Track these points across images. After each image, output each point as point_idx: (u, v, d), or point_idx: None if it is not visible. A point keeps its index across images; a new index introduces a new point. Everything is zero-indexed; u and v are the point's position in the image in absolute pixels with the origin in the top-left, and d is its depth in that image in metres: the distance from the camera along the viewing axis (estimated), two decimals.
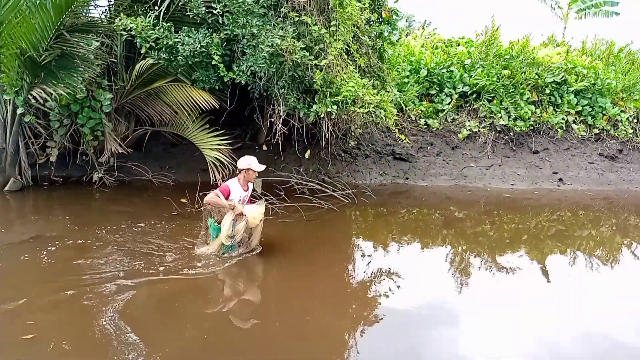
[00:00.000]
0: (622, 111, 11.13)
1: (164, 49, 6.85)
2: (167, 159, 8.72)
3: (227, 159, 7.34)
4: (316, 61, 6.63)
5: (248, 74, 6.81)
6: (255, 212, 4.82)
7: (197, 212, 6.32)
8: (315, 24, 6.66)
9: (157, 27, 6.74)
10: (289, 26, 6.63)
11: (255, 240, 5.05)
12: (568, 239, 6.72)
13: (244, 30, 6.65)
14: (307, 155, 8.95)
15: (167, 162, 8.63)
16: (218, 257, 4.77)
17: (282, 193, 7.32)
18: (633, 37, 29.44)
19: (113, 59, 7.56)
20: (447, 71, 11.15)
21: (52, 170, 7.85)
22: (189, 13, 6.79)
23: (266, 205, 6.61)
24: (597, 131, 10.93)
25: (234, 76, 6.86)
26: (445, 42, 13.50)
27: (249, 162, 4.79)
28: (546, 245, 6.35)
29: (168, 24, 6.82)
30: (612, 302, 4.60)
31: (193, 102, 7.35)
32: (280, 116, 7.08)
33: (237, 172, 4.94)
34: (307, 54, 6.54)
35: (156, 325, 3.53)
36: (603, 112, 11.09)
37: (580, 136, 10.82)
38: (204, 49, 6.70)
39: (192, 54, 6.70)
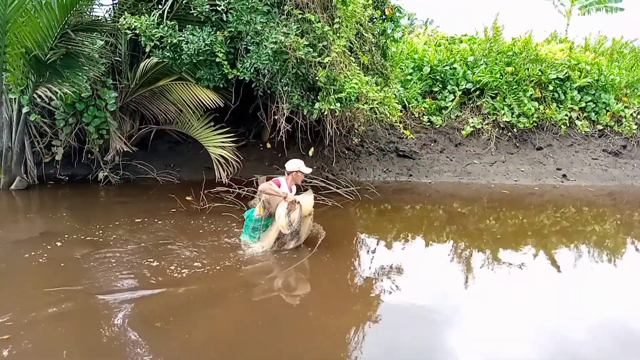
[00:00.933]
0: (626, 107, 11.11)
1: (168, 48, 6.89)
2: (172, 157, 8.76)
3: (232, 157, 7.37)
4: (319, 58, 6.64)
5: (252, 71, 6.84)
6: (307, 201, 5.09)
7: (202, 210, 6.37)
8: (319, 22, 6.67)
9: (161, 26, 6.77)
10: (293, 23, 6.64)
11: (305, 235, 5.19)
12: (572, 235, 6.74)
13: (247, 27, 6.68)
14: (310, 153, 8.97)
15: (172, 161, 8.67)
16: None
17: None
18: (638, 33, 29.37)
19: (118, 58, 7.59)
20: (450, 68, 11.15)
21: (58, 169, 7.91)
22: (192, 11, 6.82)
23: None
24: (601, 127, 10.92)
25: (238, 73, 6.89)
26: (448, 40, 13.50)
27: (298, 165, 5.07)
28: (550, 241, 6.37)
29: (172, 22, 6.85)
30: (617, 296, 4.62)
31: (197, 100, 7.38)
32: (284, 114, 7.10)
33: (286, 174, 5.14)
34: (311, 50, 6.55)
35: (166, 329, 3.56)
36: (607, 108, 11.08)
37: (583, 132, 10.81)
38: (208, 47, 6.73)
39: (196, 52, 6.73)
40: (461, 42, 12.98)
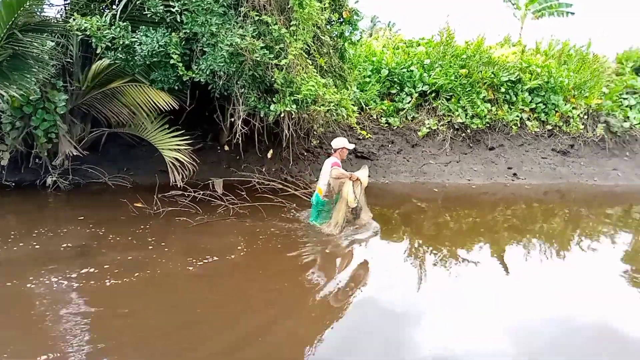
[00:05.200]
0: (573, 108, 11.64)
1: (120, 49, 6.74)
2: (125, 161, 8.54)
3: (187, 160, 7.27)
4: (276, 61, 6.65)
5: (207, 73, 6.76)
6: (365, 175, 6.00)
7: (156, 214, 6.28)
8: (276, 24, 6.68)
9: (114, 27, 6.61)
10: (249, 25, 6.63)
11: (366, 208, 6.17)
12: (522, 232, 6.99)
13: (203, 29, 6.60)
14: (269, 155, 8.97)
15: (125, 164, 8.46)
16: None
17: (243, 193, 7.32)
18: (588, 35, 30.75)
19: (68, 59, 7.36)
20: (408, 71, 11.37)
21: (4, 174, 7.58)
22: (146, 12, 6.68)
23: (228, 206, 6.68)
24: (550, 127, 11.40)
25: (193, 75, 6.80)
26: (405, 43, 13.76)
27: (343, 142, 6.07)
28: (502, 237, 6.62)
29: (125, 23, 6.69)
30: (567, 288, 4.85)
31: (151, 102, 7.23)
32: (241, 116, 7.07)
33: (333, 152, 6.09)
34: (268, 52, 6.55)
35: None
36: (556, 109, 11.57)
37: (533, 132, 11.25)
38: (162, 49, 6.61)
39: (150, 53, 6.61)
40: (418, 45, 13.26)
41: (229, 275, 4.68)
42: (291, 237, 5.80)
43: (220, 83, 6.81)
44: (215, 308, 3.95)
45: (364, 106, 10.65)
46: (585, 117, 11.66)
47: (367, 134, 9.20)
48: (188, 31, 6.71)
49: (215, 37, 6.53)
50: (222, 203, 6.89)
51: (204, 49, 6.74)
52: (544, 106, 11.51)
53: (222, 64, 6.52)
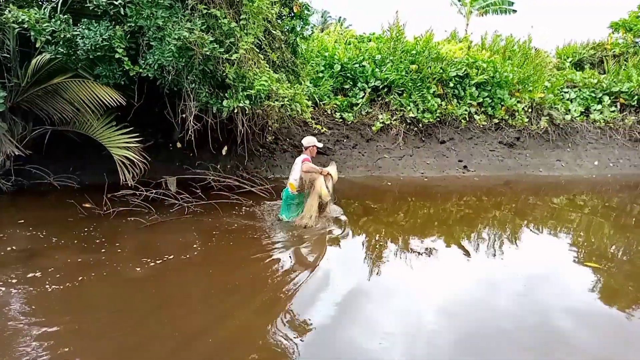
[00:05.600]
0: (518, 102, 12.10)
1: (61, 43, 6.42)
2: (72, 160, 8.17)
3: (138, 158, 7.04)
4: (227, 55, 6.55)
5: (155, 68, 6.55)
6: (334, 170, 6.33)
7: (106, 215, 6.05)
8: (225, 17, 6.57)
9: (54, 20, 6.30)
10: (197, 19, 6.47)
11: (330, 203, 6.42)
12: (474, 221, 7.23)
13: (149, 22, 6.39)
14: (224, 152, 8.83)
15: (71, 164, 8.09)
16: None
17: (198, 191, 7.18)
18: (530, 31, 32.07)
19: (6, 54, 6.96)
20: (360, 66, 11.48)
21: None
22: (88, 4, 6.38)
23: (182, 205, 6.55)
24: (497, 121, 11.81)
25: (140, 70, 6.58)
26: (357, 38, 13.89)
27: (313, 141, 6.38)
28: (455, 227, 6.80)
29: (66, 16, 6.39)
30: (517, 272, 5.09)
31: (97, 98, 6.93)
32: (192, 112, 6.91)
33: (304, 149, 6.34)
34: (218, 47, 6.43)
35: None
36: (502, 103, 11.99)
37: (481, 126, 11.63)
38: (106, 42, 6.35)
39: (93, 47, 6.34)
40: (369, 40, 13.42)
41: (183, 274, 4.58)
42: (248, 234, 5.76)
43: (170, 78, 6.62)
44: (166, 308, 3.86)
45: (318, 101, 10.67)
46: (530, 110, 12.16)
47: (322, 128, 9.23)
48: (133, 24, 6.48)
49: (162, 31, 6.34)
50: (176, 202, 6.73)
51: (151, 43, 6.53)
52: (491, 100, 11.91)
53: (170, 59, 6.35)
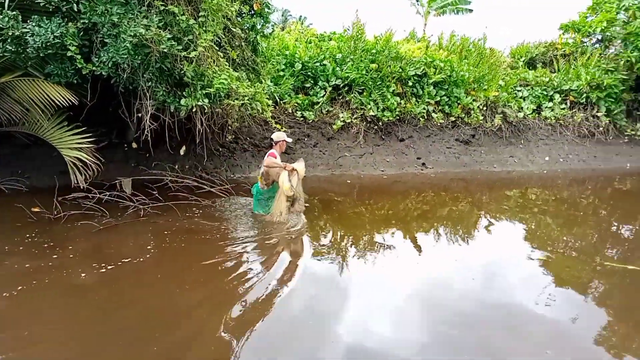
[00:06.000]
0: (474, 100, 12.44)
1: (10, 41, 6.06)
2: (20, 162, 7.74)
3: (91, 159, 6.76)
4: (185, 53, 6.39)
5: (110, 65, 6.32)
6: (301, 166, 6.30)
7: (57, 219, 5.79)
8: (183, 14, 6.41)
9: (1, 17, 5.95)
10: (154, 15, 6.27)
11: (301, 200, 6.36)
12: (432, 217, 7.38)
13: (103, 19, 6.15)
14: (182, 152, 8.64)
15: (20, 166, 7.67)
16: None
17: (155, 192, 6.98)
18: (483, 31, 33.07)
19: None
20: (321, 65, 11.48)
21: None
22: (39, 0, 6.10)
23: (138, 207, 6.36)
24: (454, 119, 12.10)
25: (94, 68, 6.33)
26: (317, 37, 13.90)
27: (283, 136, 6.39)
28: (413, 223, 6.93)
29: (14, 12, 6.05)
30: (475, 264, 5.25)
31: (47, 98, 6.61)
32: (149, 111, 6.71)
33: (274, 144, 6.32)
34: (175, 44, 6.26)
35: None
36: (458, 102, 12.29)
37: (439, 124, 11.89)
38: (57, 40, 6.06)
39: (43, 45, 6.04)
40: (330, 39, 13.46)
41: (137, 279, 4.43)
42: (206, 235, 5.65)
43: (125, 76, 6.39)
44: (117, 315, 3.72)
45: (278, 100, 10.60)
46: (485, 108, 12.51)
47: (282, 128, 9.18)
48: (87, 21, 6.23)
49: (117, 28, 6.12)
50: (132, 204, 6.52)
51: (105, 40, 6.29)
52: (448, 99, 12.19)
53: (125, 56, 6.13)
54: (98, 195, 6.51)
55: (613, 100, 13.99)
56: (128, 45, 6.03)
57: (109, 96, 7.39)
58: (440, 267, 5.24)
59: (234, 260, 4.92)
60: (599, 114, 13.85)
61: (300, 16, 34.81)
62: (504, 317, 4.05)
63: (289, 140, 6.56)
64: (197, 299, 4.06)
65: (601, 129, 13.75)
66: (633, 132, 14.32)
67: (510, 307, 4.26)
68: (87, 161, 6.70)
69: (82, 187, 6.50)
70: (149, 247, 5.15)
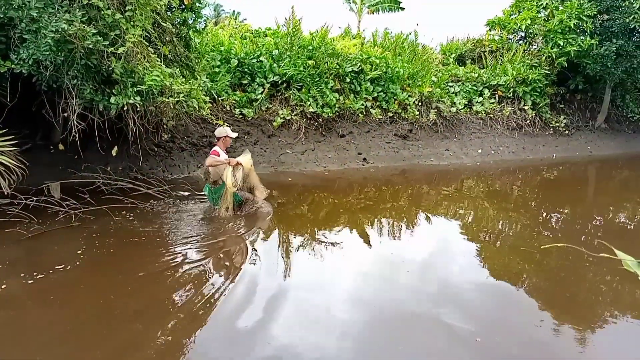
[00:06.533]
0: (409, 96, 12.77)
1: None
2: None
3: (14, 163, 6.27)
4: (112, 48, 6.09)
5: (30, 63, 5.89)
6: (247, 159, 6.30)
7: None
8: (109, 8, 6.10)
9: None
10: (77, 9, 5.93)
11: (259, 187, 6.59)
12: (375, 210, 7.53)
13: (20, 13, 5.73)
14: (114, 153, 8.20)
15: None
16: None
17: (86, 196, 6.61)
18: (414, 28, 34.14)
19: None
20: (258, 61, 11.34)
21: None
22: None
23: (69, 212, 6.00)
24: (391, 114, 12.38)
25: (13, 66, 5.89)
26: (253, 32, 13.73)
27: (225, 131, 6.37)
28: (358, 217, 7.04)
29: None
30: (418, 254, 5.48)
31: None
32: (75, 111, 6.33)
33: (216, 140, 6.39)
34: (101, 39, 5.94)
35: None
36: (395, 98, 12.58)
37: (377, 119, 12.11)
38: None
39: None
40: (265, 35, 13.35)
41: (68, 290, 4.18)
42: (144, 239, 5.45)
43: (48, 74, 6.00)
44: (49, 334, 3.48)
45: (216, 97, 10.37)
46: (420, 104, 12.89)
47: (223, 123, 9.00)
48: (2, 16, 5.77)
49: (37, 23, 5.72)
50: (62, 209, 6.13)
51: (24, 36, 5.86)
52: (385, 95, 12.44)
53: (47, 53, 5.74)
54: (24, 202, 6.07)
55: (538, 94, 14.88)
56: (50, 41, 5.65)
57: (31, 95, 6.91)
58: (378, 262, 5.35)
59: (171, 267, 4.75)
60: (525, 108, 14.68)
61: (234, 11, 34.26)
62: (435, 307, 4.20)
63: (233, 135, 6.48)
64: (134, 308, 3.88)
65: (528, 121, 14.58)
66: (557, 124, 15.29)
67: (440, 296, 4.42)
68: (10, 165, 6.21)
69: (6, 193, 6.03)
70: (81, 254, 4.87)
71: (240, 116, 10.57)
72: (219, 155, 6.12)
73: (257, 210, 6.67)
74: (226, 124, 9.94)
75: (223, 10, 33.37)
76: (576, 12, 14.26)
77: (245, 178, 6.40)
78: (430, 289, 4.53)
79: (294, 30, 11.92)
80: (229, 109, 10.55)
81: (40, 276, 4.27)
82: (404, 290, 4.48)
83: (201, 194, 7.65)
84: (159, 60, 6.72)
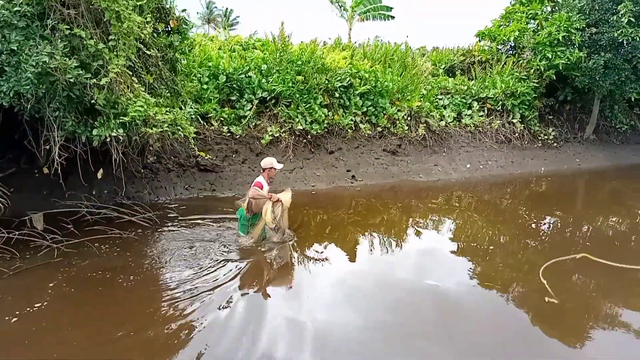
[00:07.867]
0: (399, 110, 12.76)
1: None
2: None
3: None
4: (95, 80, 6.01)
5: (11, 95, 5.80)
6: (287, 197, 6.33)
7: None
8: (91, 38, 6.02)
9: None
10: (59, 40, 5.83)
11: (286, 230, 6.52)
12: (365, 227, 7.92)
13: (1, 46, 5.66)
14: (99, 175, 8.09)
15: None
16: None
17: (70, 226, 6.54)
18: (405, 37, 34.21)
19: None
20: (246, 76, 11.26)
21: None
22: None
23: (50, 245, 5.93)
24: (380, 129, 12.35)
25: None
26: (242, 45, 13.65)
27: (271, 162, 6.36)
28: (349, 232, 7.51)
29: None
30: (407, 265, 6.32)
31: None
32: (57, 142, 6.24)
33: (262, 171, 6.38)
34: (83, 72, 5.85)
35: None
36: (384, 112, 12.55)
37: (367, 135, 12.08)
38: None
39: None
40: (254, 48, 13.27)
41: (48, 333, 4.14)
42: (129, 276, 5.39)
43: (29, 106, 5.91)
44: None
45: (203, 116, 10.30)
46: (409, 118, 12.87)
47: (205, 154, 9.08)
48: None
49: (17, 56, 5.64)
50: (45, 242, 6.06)
51: (5, 69, 5.77)
52: (374, 109, 12.40)
53: (28, 86, 5.65)
54: (7, 235, 5.98)
55: (527, 107, 14.93)
56: (30, 75, 5.57)
57: (13, 123, 6.83)
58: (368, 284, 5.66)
59: (157, 307, 4.71)
60: (514, 121, 14.71)
61: (227, 9, 34.08)
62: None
63: (279, 166, 6.46)
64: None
65: (517, 134, 14.62)
66: (546, 137, 15.35)
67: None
68: None
69: None
70: (59, 296, 4.83)
71: (228, 134, 10.50)
72: (262, 188, 6.13)
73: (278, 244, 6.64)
74: (209, 139, 9.90)
75: (216, 7, 33.14)
76: (565, 25, 14.30)
77: (282, 216, 6.40)
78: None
79: (282, 46, 11.86)
80: (216, 126, 10.47)
81: (14, 320, 4.22)
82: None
83: (186, 218, 7.63)
84: (143, 89, 6.64)
